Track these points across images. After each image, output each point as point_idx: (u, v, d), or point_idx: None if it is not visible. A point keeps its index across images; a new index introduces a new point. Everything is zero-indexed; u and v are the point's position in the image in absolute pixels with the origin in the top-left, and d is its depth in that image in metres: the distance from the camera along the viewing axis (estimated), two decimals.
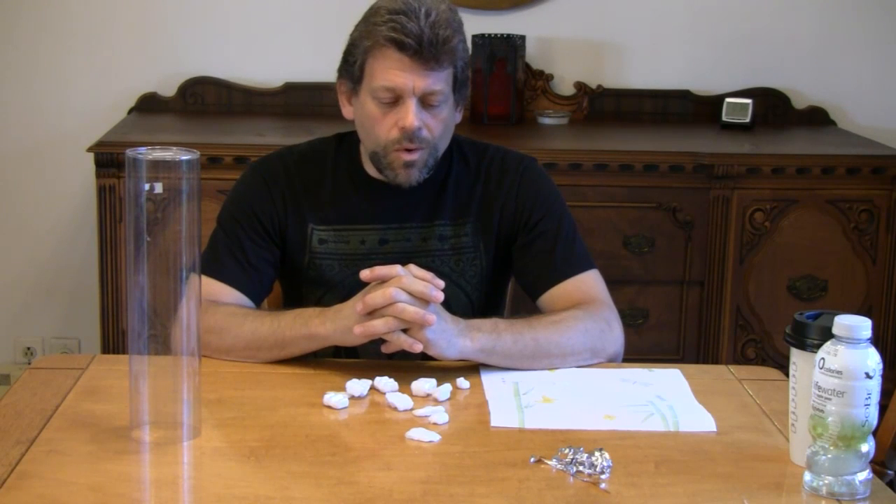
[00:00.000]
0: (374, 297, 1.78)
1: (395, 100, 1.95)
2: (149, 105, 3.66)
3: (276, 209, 2.06)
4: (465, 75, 2.03)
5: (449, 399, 1.78)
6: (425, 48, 1.91)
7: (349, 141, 2.11)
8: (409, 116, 1.94)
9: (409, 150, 1.97)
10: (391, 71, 1.93)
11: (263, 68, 3.71)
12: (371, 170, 2.08)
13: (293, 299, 2.12)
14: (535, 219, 2.08)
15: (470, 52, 3.60)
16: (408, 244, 2.06)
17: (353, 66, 1.99)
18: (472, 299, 2.09)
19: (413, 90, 1.94)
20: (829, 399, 1.46)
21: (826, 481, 1.48)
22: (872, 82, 3.80)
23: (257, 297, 2.03)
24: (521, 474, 1.54)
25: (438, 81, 1.95)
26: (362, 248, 2.06)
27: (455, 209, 2.08)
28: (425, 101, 1.96)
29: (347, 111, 2.07)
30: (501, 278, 2.16)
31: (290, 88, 3.70)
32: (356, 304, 1.80)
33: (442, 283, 1.81)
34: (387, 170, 2.00)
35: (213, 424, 1.66)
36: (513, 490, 1.49)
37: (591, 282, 2.05)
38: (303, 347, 1.89)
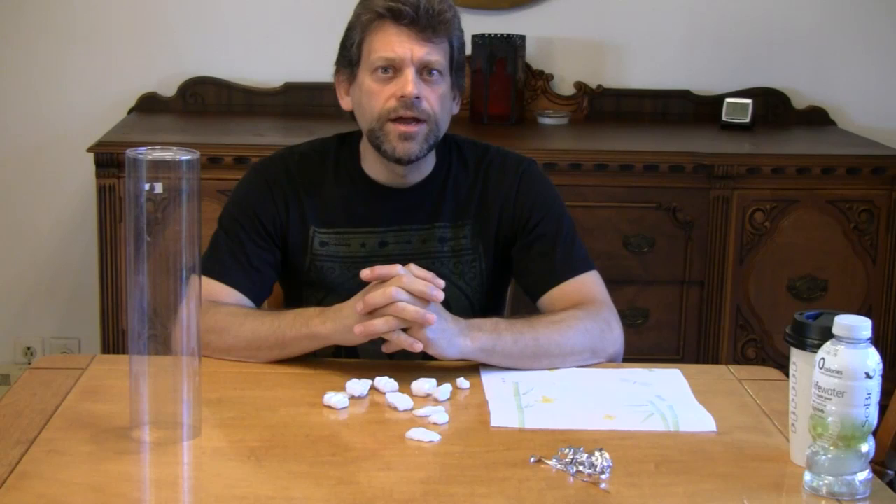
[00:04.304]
0: (375, 296, 1.78)
1: (393, 74, 1.96)
2: (149, 105, 3.66)
3: (277, 211, 2.06)
4: (462, 58, 2.05)
5: (449, 399, 1.78)
6: (422, 17, 1.94)
7: (350, 141, 2.11)
8: (408, 85, 1.95)
9: (406, 123, 1.97)
10: (389, 42, 1.95)
11: (263, 68, 3.71)
12: (371, 171, 2.08)
13: (294, 301, 2.11)
14: (535, 221, 2.08)
15: (469, 50, 3.61)
16: (408, 246, 2.06)
17: (350, 48, 2.01)
18: (472, 301, 2.09)
19: (412, 59, 1.95)
20: (829, 399, 1.46)
21: (826, 481, 1.48)
22: (872, 82, 3.80)
23: (258, 298, 2.03)
24: (521, 474, 1.54)
25: (435, 52, 1.97)
26: (362, 251, 2.06)
27: (454, 211, 2.08)
28: (423, 74, 1.97)
29: (346, 102, 2.07)
30: (501, 280, 2.16)
31: (290, 88, 3.70)
32: (356, 304, 1.80)
33: (442, 283, 1.81)
34: (384, 143, 1.99)
35: (213, 424, 1.66)
36: (513, 490, 1.49)
37: (590, 283, 2.05)
38: (303, 347, 1.89)
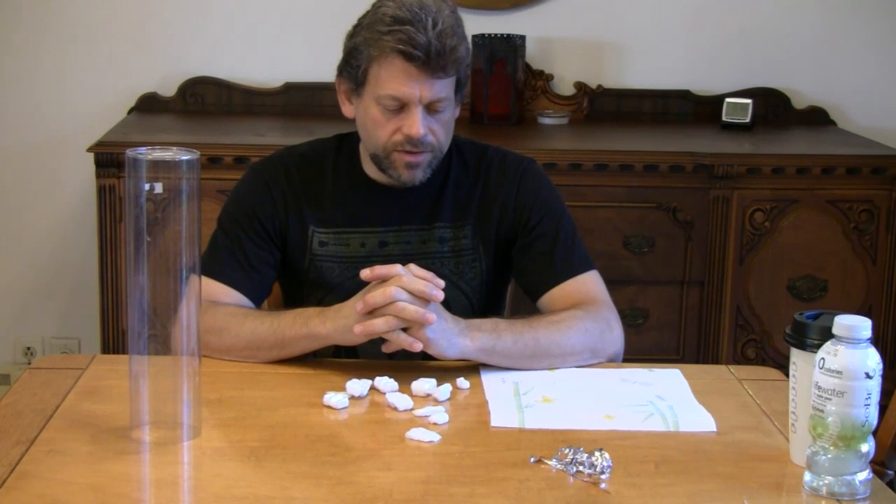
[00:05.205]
0: (375, 295, 1.78)
1: (399, 107, 1.95)
2: (149, 105, 3.66)
3: (276, 211, 2.06)
4: (466, 75, 2.03)
5: (449, 399, 1.78)
6: (433, 59, 1.91)
7: (349, 142, 2.11)
8: (415, 125, 1.94)
9: (412, 153, 1.97)
10: (398, 80, 1.93)
11: (263, 68, 3.71)
12: (371, 171, 2.08)
13: (294, 301, 2.11)
14: (535, 220, 2.08)
15: (470, 52, 3.59)
16: (408, 246, 2.06)
17: (356, 69, 1.98)
18: (472, 301, 2.09)
19: (420, 99, 1.93)
20: (829, 399, 1.46)
21: (826, 481, 1.48)
22: (872, 82, 3.80)
23: (257, 298, 2.03)
24: (521, 474, 1.54)
25: (444, 89, 1.95)
26: (362, 251, 2.06)
27: (454, 211, 2.08)
28: (430, 108, 1.96)
29: (348, 109, 2.06)
30: (501, 280, 2.16)
31: (290, 88, 3.70)
32: (356, 304, 1.80)
33: (442, 283, 1.81)
34: (389, 169, 2.00)
35: (213, 424, 1.66)
36: (513, 490, 1.49)
37: (590, 282, 2.05)
38: (303, 347, 1.89)
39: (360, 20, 2.00)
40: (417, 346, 1.79)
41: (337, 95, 2.07)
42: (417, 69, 1.92)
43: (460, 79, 2.00)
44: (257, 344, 1.89)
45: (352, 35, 2.00)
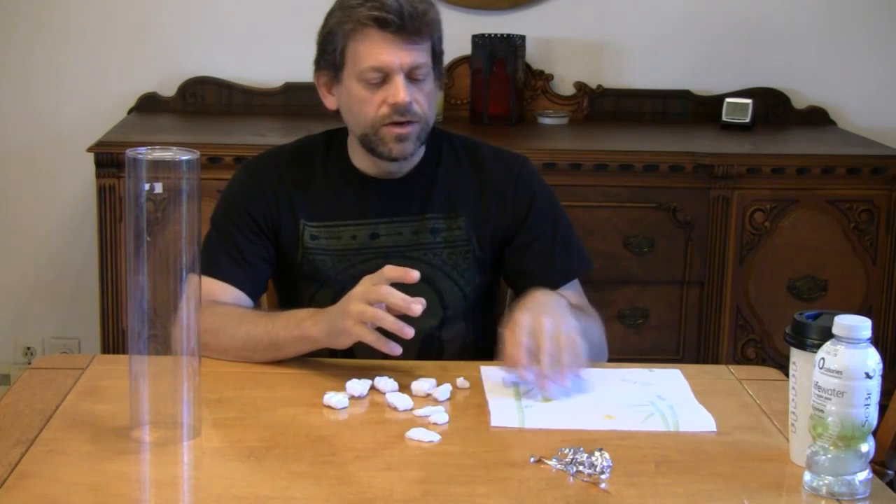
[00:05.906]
0: (392, 292, 1.76)
1: (382, 79, 1.97)
2: (149, 105, 3.66)
3: (268, 207, 2.06)
4: (441, 48, 2.06)
5: (449, 399, 1.78)
6: (407, 22, 1.94)
7: (338, 137, 2.13)
8: (399, 92, 1.95)
9: (400, 125, 1.98)
10: (376, 50, 1.95)
11: (263, 68, 3.71)
12: (360, 163, 2.08)
13: (289, 299, 2.12)
14: (534, 220, 2.09)
15: (469, 50, 3.59)
16: (399, 238, 2.07)
17: (332, 53, 2.00)
18: (465, 292, 2.09)
19: (400, 66, 1.96)
20: (829, 399, 1.46)
21: (826, 481, 1.48)
22: (872, 82, 3.79)
23: (254, 293, 2.04)
24: (521, 474, 1.54)
25: (422, 55, 1.98)
26: (353, 244, 2.07)
27: (447, 202, 2.09)
28: (411, 76, 1.98)
29: (330, 102, 2.08)
30: (495, 273, 2.16)
31: (290, 88, 3.70)
32: (347, 305, 1.78)
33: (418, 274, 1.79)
34: (379, 146, 2.00)
35: (213, 424, 1.66)
36: (513, 490, 1.49)
37: (580, 289, 2.09)
38: (297, 349, 1.89)
39: (330, 10, 2.03)
40: (397, 350, 1.78)
41: (318, 91, 2.08)
42: (393, 35, 1.94)
43: (436, 49, 2.02)
44: (252, 346, 1.89)
45: (323, 26, 2.04)
